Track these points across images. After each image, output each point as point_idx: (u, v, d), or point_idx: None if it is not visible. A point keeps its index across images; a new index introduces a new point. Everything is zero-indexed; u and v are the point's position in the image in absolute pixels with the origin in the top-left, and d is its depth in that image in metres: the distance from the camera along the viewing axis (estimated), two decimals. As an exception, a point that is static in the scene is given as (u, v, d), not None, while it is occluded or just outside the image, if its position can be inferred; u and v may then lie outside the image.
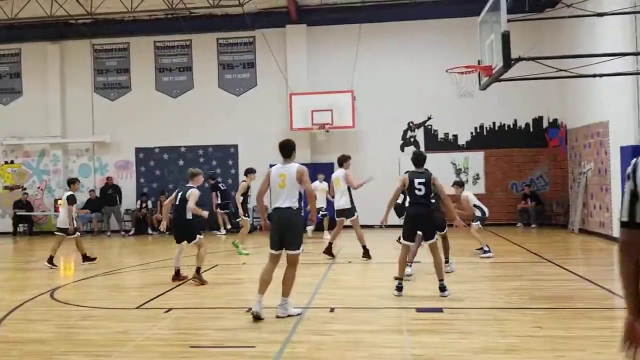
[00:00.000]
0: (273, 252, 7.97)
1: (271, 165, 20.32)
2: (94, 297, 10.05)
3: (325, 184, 18.11)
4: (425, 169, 9.38)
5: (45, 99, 22.71)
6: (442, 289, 9.00)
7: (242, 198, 14.52)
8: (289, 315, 7.81)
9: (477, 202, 13.20)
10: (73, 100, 22.75)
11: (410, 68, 20.90)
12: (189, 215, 10.80)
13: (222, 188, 20.79)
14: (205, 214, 11.21)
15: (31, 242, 19.92)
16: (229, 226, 20.53)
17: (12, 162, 23.18)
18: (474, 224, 12.98)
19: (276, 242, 7.91)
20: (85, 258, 13.89)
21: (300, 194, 7.97)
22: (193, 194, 10.82)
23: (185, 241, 10.98)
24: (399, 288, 9.21)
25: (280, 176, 7.93)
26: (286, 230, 7.84)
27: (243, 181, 14.95)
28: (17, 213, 22.15)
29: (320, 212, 18.04)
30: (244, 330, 7.34)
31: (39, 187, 22.97)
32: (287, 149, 8.12)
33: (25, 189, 22.87)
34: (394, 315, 7.99)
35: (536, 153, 20.65)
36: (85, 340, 7.11)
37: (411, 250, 10.07)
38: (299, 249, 7.90)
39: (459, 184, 13.42)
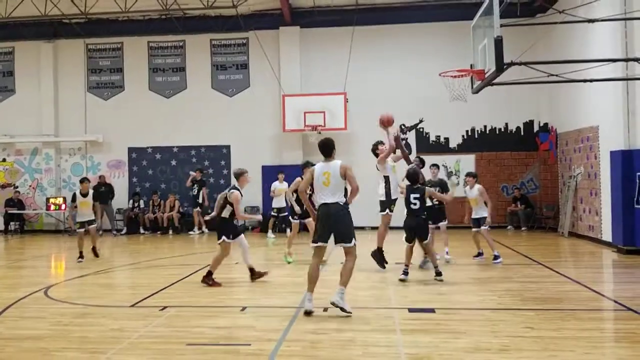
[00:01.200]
0: (317, 245, 8.23)
1: (264, 166, 20.47)
2: (88, 295, 10.08)
3: (285, 185, 18.01)
4: (420, 184, 10.65)
5: (38, 98, 22.71)
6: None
7: (295, 195, 13.01)
8: (342, 309, 7.92)
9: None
10: (66, 99, 22.76)
11: (403, 71, 21.04)
12: (225, 214, 10.46)
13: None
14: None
15: (23, 241, 19.88)
16: (203, 227, 20.79)
17: (4, 160, 23.14)
18: (484, 227, 12.73)
19: (322, 235, 8.17)
20: (80, 255, 14.15)
21: (346, 189, 8.30)
22: (234, 199, 10.33)
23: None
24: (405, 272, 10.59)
25: (324, 174, 8.20)
26: (336, 224, 8.09)
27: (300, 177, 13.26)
28: (9, 211, 22.12)
29: (271, 213, 18.43)
30: (239, 329, 7.43)
31: (30, 186, 22.94)
32: (327, 149, 8.36)
33: (17, 187, 22.84)
34: (387, 315, 8.09)
35: (527, 157, 20.80)
36: (81, 337, 7.17)
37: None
38: (351, 241, 8.08)
39: (473, 175, 13.07)
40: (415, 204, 10.70)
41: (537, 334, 6.98)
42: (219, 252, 10.51)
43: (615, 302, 8.79)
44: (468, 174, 13.23)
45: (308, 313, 8.06)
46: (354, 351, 6.46)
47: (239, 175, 10.72)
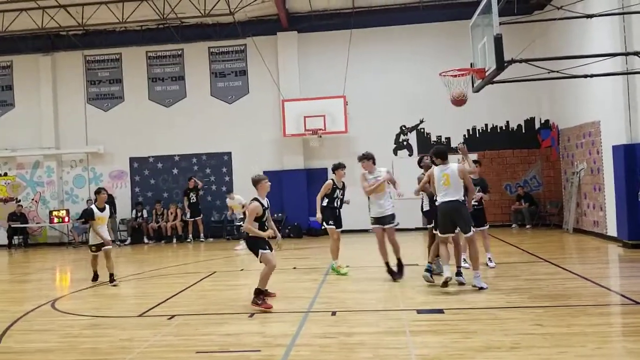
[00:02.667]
0: (445, 236, 9.78)
1: (264, 172, 20.54)
2: (95, 306, 10.07)
3: (238, 198, 18.24)
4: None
5: (38, 111, 22.71)
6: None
7: (325, 200, 11.86)
8: (478, 287, 9.54)
9: None
10: (66, 112, 22.77)
11: (402, 72, 21.02)
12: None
13: (200, 192, 21.40)
14: (264, 234, 8.98)
15: (26, 254, 19.85)
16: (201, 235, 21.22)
17: (5, 174, 23.14)
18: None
19: (448, 228, 9.69)
20: (95, 276, 12.57)
21: (464, 188, 9.65)
22: (249, 210, 9.04)
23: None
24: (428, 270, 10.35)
25: (443, 176, 9.61)
26: (457, 219, 9.58)
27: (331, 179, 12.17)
28: (12, 225, 22.08)
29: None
30: (248, 335, 7.43)
31: (33, 199, 22.95)
32: (443, 154, 9.77)
33: (19, 201, 22.85)
34: (395, 317, 8.06)
35: (529, 154, 20.79)
36: (91, 348, 7.16)
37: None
38: (470, 231, 9.64)
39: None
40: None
41: (546, 330, 6.97)
42: (265, 268, 9.08)
43: (623, 296, 8.78)
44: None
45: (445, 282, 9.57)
46: (364, 354, 6.45)
47: (256, 182, 9.28)
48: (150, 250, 19.35)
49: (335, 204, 11.91)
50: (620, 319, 7.89)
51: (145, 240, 21.40)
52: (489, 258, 12.04)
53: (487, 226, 12.06)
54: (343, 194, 12.09)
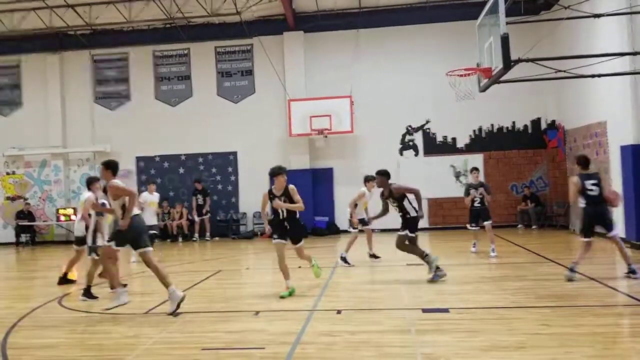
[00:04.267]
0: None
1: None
2: (102, 303, 10.03)
3: (156, 196, 16.26)
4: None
5: (45, 110, 22.79)
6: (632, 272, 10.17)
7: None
8: None
9: None
10: (73, 111, 22.84)
11: (408, 72, 21.00)
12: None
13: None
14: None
15: (34, 252, 19.92)
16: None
17: (13, 172, 23.22)
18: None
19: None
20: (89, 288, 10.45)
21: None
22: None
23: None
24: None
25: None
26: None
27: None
28: (20, 223, 22.17)
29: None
30: (253, 332, 7.43)
31: (40, 197, 23.02)
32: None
33: (27, 199, 22.92)
34: (400, 316, 8.06)
35: (535, 154, 20.75)
36: (97, 345, 7.18)
37: None
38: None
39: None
40: (592, 190, 10.11)
41: (553, 330, 6.93)
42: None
43: (631, 297, 8.75)
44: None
45: None
46: (369, 352, 6.43)
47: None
48: (156, 248, 19.32)
49: (281, 215, 9.75)
50: (628, 320, 7.83)
51: (152, 239, 21.45)
52: (493, 249, 13.29)
53: (491, 221, 13.73)
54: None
